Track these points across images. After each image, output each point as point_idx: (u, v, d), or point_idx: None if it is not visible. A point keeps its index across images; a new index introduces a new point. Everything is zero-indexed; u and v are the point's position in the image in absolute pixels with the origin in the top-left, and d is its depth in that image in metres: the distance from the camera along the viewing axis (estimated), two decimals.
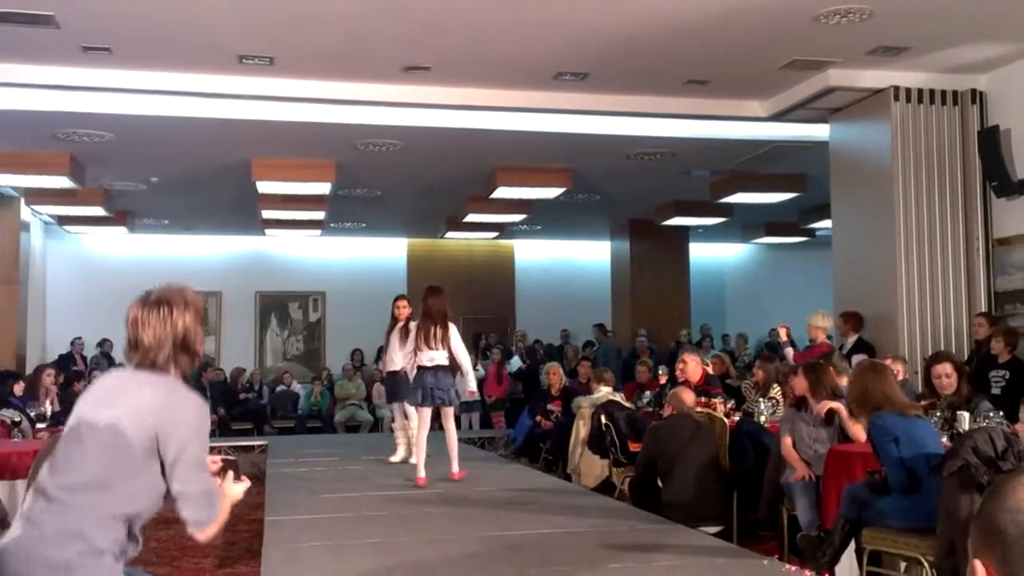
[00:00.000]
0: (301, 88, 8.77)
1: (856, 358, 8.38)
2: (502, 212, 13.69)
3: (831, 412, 5.80)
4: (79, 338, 14.69)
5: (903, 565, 4.85)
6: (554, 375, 10.89)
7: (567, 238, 17.34)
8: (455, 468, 7.46)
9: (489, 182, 11.83)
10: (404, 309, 8.60)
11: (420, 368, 7.30)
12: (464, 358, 7.46)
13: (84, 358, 14.57)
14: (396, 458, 8.65)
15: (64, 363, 12.83)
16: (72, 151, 10.43)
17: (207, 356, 16.30)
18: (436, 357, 7.25)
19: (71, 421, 2.56)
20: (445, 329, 7.27)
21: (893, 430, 4.59)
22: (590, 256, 17.43)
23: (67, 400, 9.55)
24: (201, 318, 2.69)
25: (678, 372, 8.19)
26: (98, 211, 13.00)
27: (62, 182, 10.99)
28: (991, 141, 8.34)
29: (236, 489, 2.69)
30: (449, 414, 7.44)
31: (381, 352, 8.95)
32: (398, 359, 8.29)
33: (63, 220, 14.19)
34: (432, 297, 7.40)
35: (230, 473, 2.71)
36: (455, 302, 16.69)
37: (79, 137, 9.86)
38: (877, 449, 4.69)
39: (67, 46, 7.73)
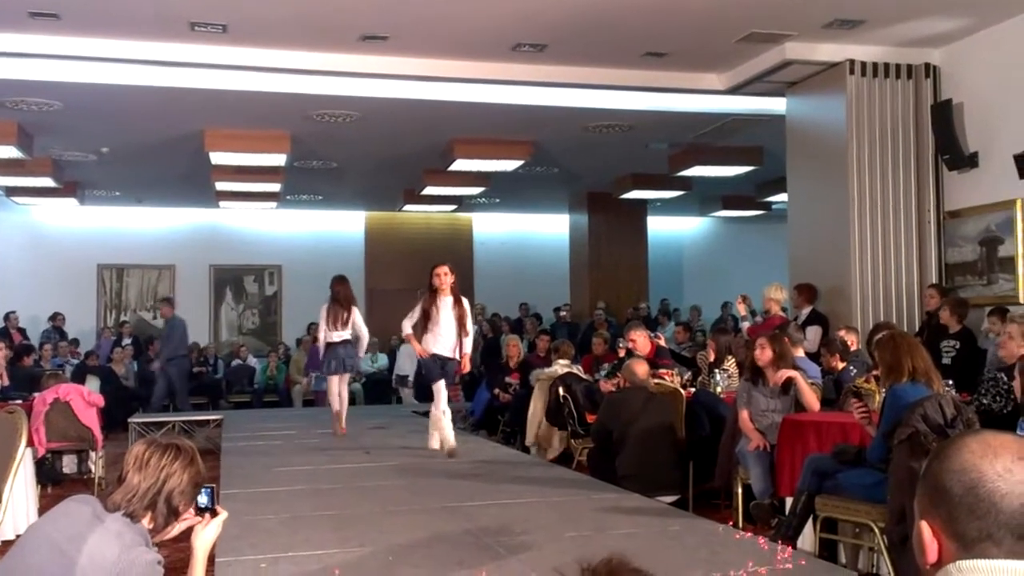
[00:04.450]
0: (255, 57, 8.61)
1: (810, 329, 8.50)
2: (460, 185, 13.62)
3: (788, 381, 5.86)
4: (13, 312, 14.20)
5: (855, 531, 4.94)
6: (512, 347, 10.90)
7: (526, 211, 17.32)
8: (343, 425, 8.87)
9: (447, 154, 11.75)
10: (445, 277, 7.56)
11: (331, 344, 8.77)
12: (364, 334, 9.04)
13: (22, 330, 14.19)
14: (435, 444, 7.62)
15: None
16: (19, 120, 10.17)
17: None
18: (344, 334, 8.76)
19: (27, 538, 2.59)
20: (349, 311, 8.78)
21: (906, 399, 4.34)
22: (549, 229, 17.43)
23: (16, 375, 9.39)
24: (198, 482, 2.68)
25: (630, 347, 8.24)
26: (47, 182, 12.71)
27: (9, 151, 10.71)
28: (944, 115, 8.43)
29: (206, 536, 2.73)
30: (345, 379, 9.00)
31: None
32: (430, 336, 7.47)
33: (11, 191, 13.86)
34: (338, 285, 8.87)
35: (207, 517, 2.73)
36: (414, 276, 16.79)
37: (27, 105, 9.62)
38: (883, 416, 4.54)
39: (13, 11, 7.51)
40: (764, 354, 5.96)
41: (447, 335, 7.37)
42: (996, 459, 1.34)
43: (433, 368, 7.43)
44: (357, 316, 8.88)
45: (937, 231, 8.67)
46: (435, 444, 7.52)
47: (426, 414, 11.20)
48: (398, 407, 13.50)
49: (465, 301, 7.56)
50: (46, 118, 10.05)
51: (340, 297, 8.80)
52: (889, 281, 8.59)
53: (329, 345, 8.79)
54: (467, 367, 7.69)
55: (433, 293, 7.45)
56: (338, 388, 8.90)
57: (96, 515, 2.53)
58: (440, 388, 7.45)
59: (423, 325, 7.41)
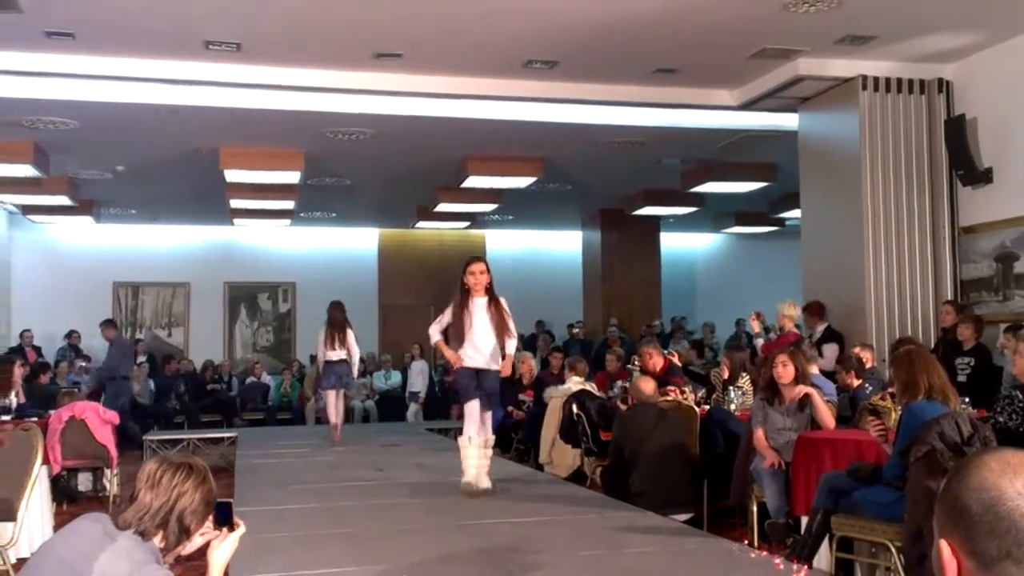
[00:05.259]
0: (269, 75, 8.67)
1: (827, 347, 8.44)
2: (473, 202, 13.64)
3: (803, 399, 5.82)
4: (28, 330, 14.28)
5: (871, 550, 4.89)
6: (524, 364, 10.88)
7: (538, 228, 17.33)
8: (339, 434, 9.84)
9: (460, 171, 11.78)
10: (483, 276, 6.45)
11: (329, 362, 9.79)
12: (356, 354, 10.02)
13: (37, 348, 14.25)
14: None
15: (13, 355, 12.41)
16: (36, 139, 10.26)
17: (175, 348, 16.17)
18: (341, 353, 9.76)
19: (39, 556, 2.59)
20: (344, 334, 9.76)
21: (922, 416, 4.29)
22: (562, 246, 17.43)
23: (32, 393, 9.42)
24: (210, 500, 2.67)
25: (643, 364, 8.21)
26: (63, 200, 12.79)
27: (26, 170, 10.80)
28: (957, 130, 8.41)
29: (223, 551, 2.72)
30: (342, 394, 10.14)
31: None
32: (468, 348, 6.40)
33: (28, 209, 13.97)
34: (334, 310, 9.82)
35: (224, 532, 2.72)
36: (427, 293, 16.82)
37: (43, 124, 9.70)
38: (899, 434, 4.50)
39: (30, 31, 7.58)
40: (787, 371, 5.89)
41: (484, 343, 6.29)
42: (1016, 477, 1.33)
43: (467, 383, 6.38)
44: (351, 337, 9.82)
45: (952, 247, 8.62)
46: (471, 477, 6.38)
47: (442, 431, 11.23)
48: (412, 424, 13.50)
49: (503, 301, 6.42)
50: (62, 137, 10.13)
51: (335, 321, 9.78)
52: (904, 297, 8.54)
53: (327, 363, 9.82)
54: (507, 370, 6.46)
55: (465, 295, 6.39)
56: (335, 402, 9.96)
57: (107, 533, 2.53)
58: (471, 410, 6.37)
59: (455, 334, 6.37)
